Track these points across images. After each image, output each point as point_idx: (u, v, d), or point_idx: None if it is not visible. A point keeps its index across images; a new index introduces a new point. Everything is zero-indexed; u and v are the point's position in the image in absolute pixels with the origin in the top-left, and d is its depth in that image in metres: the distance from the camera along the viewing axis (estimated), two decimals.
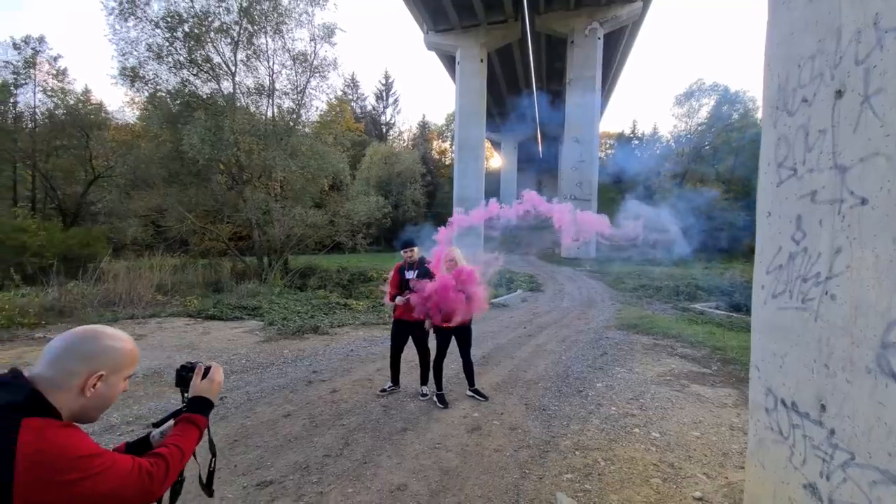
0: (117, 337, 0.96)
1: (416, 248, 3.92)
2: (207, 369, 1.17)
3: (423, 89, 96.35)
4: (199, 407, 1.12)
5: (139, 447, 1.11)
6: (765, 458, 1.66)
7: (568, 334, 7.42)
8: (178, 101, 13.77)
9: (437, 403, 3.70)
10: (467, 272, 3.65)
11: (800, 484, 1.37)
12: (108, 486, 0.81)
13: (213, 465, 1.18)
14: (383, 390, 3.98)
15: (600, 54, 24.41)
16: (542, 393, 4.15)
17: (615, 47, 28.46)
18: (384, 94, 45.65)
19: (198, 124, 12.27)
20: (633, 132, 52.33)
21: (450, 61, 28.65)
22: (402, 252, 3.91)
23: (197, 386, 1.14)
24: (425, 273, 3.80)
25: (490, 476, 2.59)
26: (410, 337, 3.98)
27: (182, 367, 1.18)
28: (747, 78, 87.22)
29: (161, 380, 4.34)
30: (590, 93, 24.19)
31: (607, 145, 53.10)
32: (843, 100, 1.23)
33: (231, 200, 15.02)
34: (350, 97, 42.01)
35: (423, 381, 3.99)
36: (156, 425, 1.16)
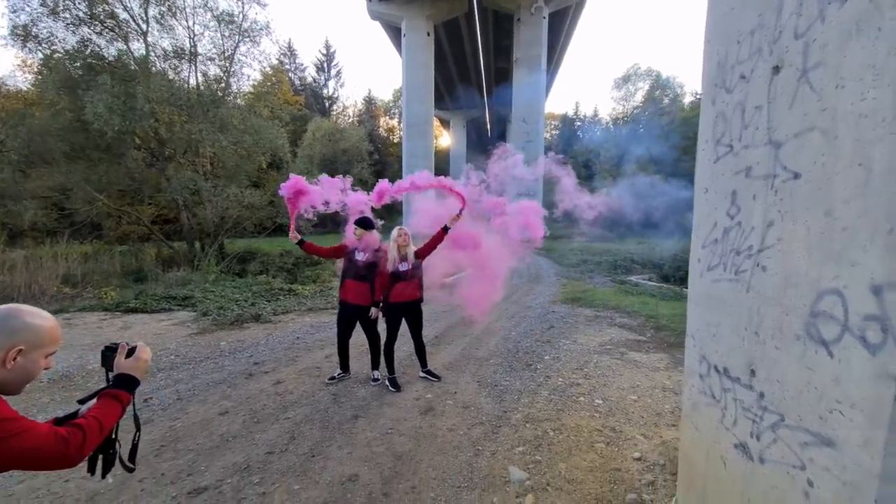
0: (37, 314, 1.03)
1: (374, 233, 3.64)
2: (133, 349, 1.19)
3: (368, 62, 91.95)
4: (123, 383, 1.14)
5: (67, 421, 1.10)
6: (698, 420, 1.77)
7: (517, 310, 7.65)
8: (79, 64, 11.86)
9: (390, 387, 3.63)
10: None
11: (731, 444, 1.46)
12: (25, 446, 0.88)
13: (136, 438, 1.24)
14: (332, 378, 3.81)
15: (545, 33, 24.67)
16: (494, 369, 4.22)
17: (560, 27, 28.88)
18: (325, 65, 42.93)
19: (102, 90, 10.68)
20: (575, 114, 54.28)
21: (395, 33, 27.45)
22: (354, 230, 3.61)
23: (121, 364, 1.16)
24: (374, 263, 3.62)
25: (444, 457, 2.58)
26: (358, 322, 3.81)
27: (106, 347, 1.19)
28: (680, 63, 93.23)
29: (71, 384, 3.82)
30: (536, 72, 24.50)
31: (552, 126, 54.61)
32: (780, 75, 1.25)
33: (152, 179, 13.47)
34: (287, 67, 39.01)
35: (375, 366, 3.88)
36: (81, 402, 1.17)
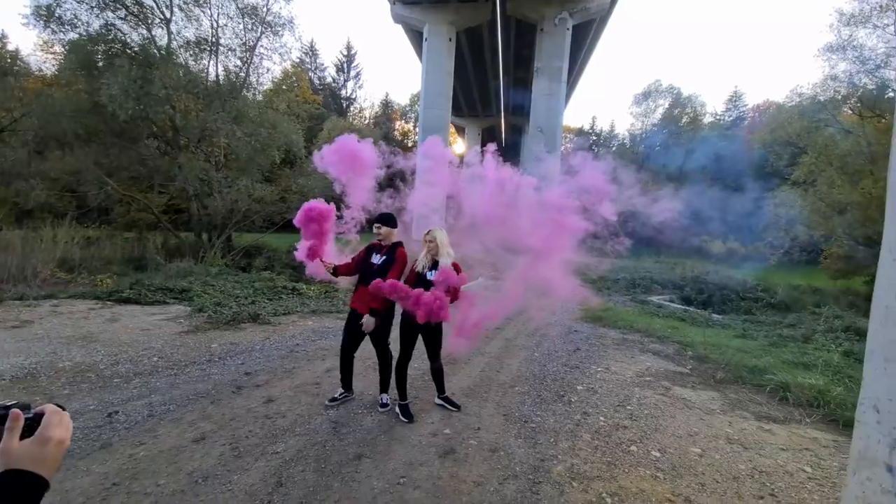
0: None
1: (392, 231, 3.15)
2: (35, 419, 0.63)
3: (387, 66, 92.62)
4: (15, 492, 0.58)
5: None
6: None
7: (536, 326, 7.03)
8: (100, 48, 11.66)
9: (401, 416, 3.04)
10: (453, 281, 2.88)
11: None
12: None
13: None
14: (333, 399, 3.24)
15: (568, 45, 24.27)
16: (521, 399, 3.62)
17: (582, 40, 28.50)
18: (345, 66, 43.07)
19: (119, 73, 10.41)
20: (591, 128, 53.70)
21: (417, 37, 27.31)
22: (374, 228, 3.14)
23: (12, 451, 0.59)
24: (391, 261, 3.05)
25: None
26: (368, 335, 3.24)
27: None
28: (700, 81, 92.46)
29: (35, 384, 3.30)
30: (556, 83, 24.05)
31: (567, 139, 54.16)
32: None
33: (164, 167, 13.15)
34: (308, 66, 39.16)
35: (383, 389, 3.30)
36: None
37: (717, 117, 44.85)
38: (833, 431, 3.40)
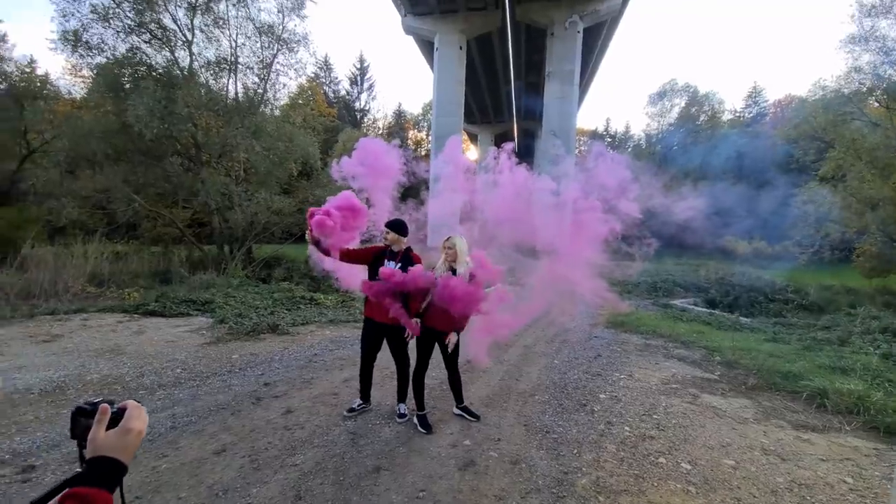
0: None
1: (401, 238, 3.12)
2: (119, 413, 0.74)
3: (399, 77, 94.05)
4: (100, 473, 0.68)
5: None
6: None
7: (556, 333, 6.90)
8: (126, 71, 12.21)
9: (419, 427, 3.00)
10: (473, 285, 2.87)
11: None
12: None
13: None
14: (351, 410, 3.22)
15: (580, 48, 24.13)
16: (542, 408, 3.53)
17: (594, 42, 28.32)
18: (359, 78, 43.94)
19: (144, 94, 10.86)
20: (606, 130, 53.08)
21: (428, 47, 27.67)
22: (385, 233, 3.11)
23: (98, 440, 0.71)
24: (409, 263, 3.05)
25: None
26: (385, 341, 3.23)
27: (78, 408, 0.74)
28: (718, 78, 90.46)
29: (63, 397, 3.40)
30: (568, 86, 23.90)
31: (581, 142, 53.69)
32: None
33: (188, 183, 13.60)
34: (322, 80, 40.11)
35: (401, 398, 3.27)
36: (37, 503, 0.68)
37: (737, 114, 43.73)
38: (874, 439, 3.19)
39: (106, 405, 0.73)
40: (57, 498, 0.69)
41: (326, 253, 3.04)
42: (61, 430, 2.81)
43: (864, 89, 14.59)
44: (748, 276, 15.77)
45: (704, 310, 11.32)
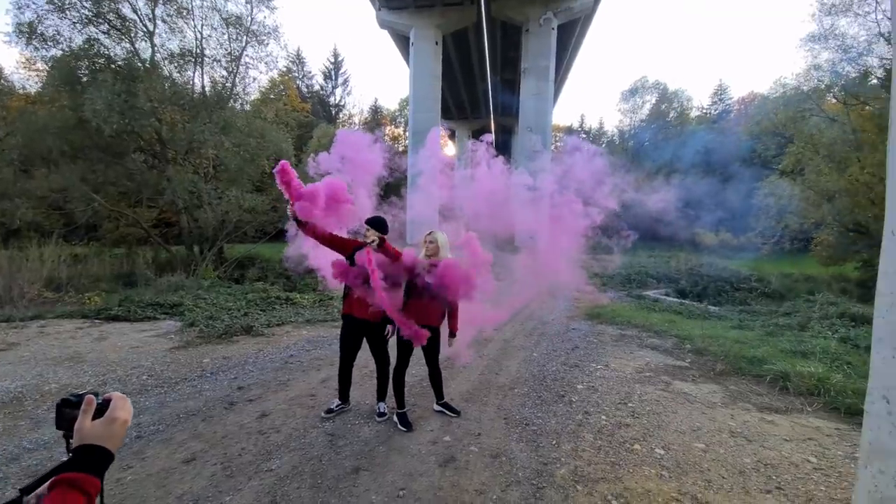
0: None
1: (373, 233, 3.04)
2: (104, 403, 0.78)
3: (375, 71, 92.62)
4: (87, 461, 0.72)
5: None
6: None
7: (534, 326, 6.99)
8: (84, 64, 11.50)
9: (399, 426, 2.97)
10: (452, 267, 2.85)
11: None
12: None
13: None
14: (329, 411, 3.16)
15: (554, 45, 24.41)
16: (521, 401, 3.56)
17: (568, 39, 28.69)
18: (333, 73, 43.00)
19: (103, 87, 10.27)
20: (581, 126, 54.06)
21: (403, 42, 27.33)
22: (365, 230, 2.97)
23: (85, 429, 0.74)
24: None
25: None
26: (365, 339, 3.18)
27: (63, 400, 0.78)
28: (686, 76, 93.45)
29: (21, 409, 3.18)
30: (544, 83, 24.15)
31: (557, 138, 54.49)
32: None
33: (152, 181, 12.99)
34: (295, 74, 39.04)
35: (381, 397, 3.22)
36: (24, 491, 0.73)
37: (704, 111, 45.37)
38: (835, 419, 3.37)
39: (91, 396, 0.77)
40: (46, 484, 0.72)
41: (305, 228, 2.83)
42: (19, 443, 2.63)
43: (823, 86, 15.36)
44: (715, 266, 16.46)
45: (675, 300, 11.73)
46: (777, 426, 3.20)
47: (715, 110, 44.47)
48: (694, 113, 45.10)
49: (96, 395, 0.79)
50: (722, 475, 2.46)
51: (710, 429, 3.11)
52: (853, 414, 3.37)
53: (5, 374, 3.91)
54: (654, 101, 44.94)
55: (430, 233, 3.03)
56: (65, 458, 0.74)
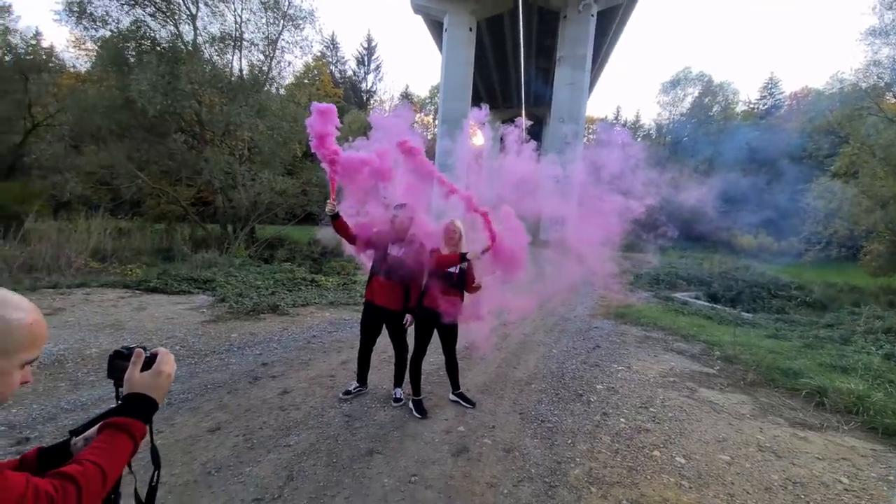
0: (12, 304, 0.68)
1: (407, 214, 2.96)
2: (151, 357, 0.87)
3: (407, 58, 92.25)
4: (135, 408, 0.82)
5: (54, 457, 0.82)
6: None
7: (554, 322, 6.89)
8: (130, 46, 12.00)
9: (414, 412, 3.00)
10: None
11: None
12: None
13: (155, 478, 0.93)
14: (347, 392, 3.23)
15: (592, 32, 23.47)
16: (538, 397, 3.52)
17: (607, 27, 27.51)
18: (366, 59, 43.16)
19: (148, 69, 10.70)
20: (616, 118, 52.15)
21: (437, 28, 26.98)
22: (394, 211, 2.96)
23: (134, 379, 0.84)
24: (415, 253, 3.01)
25: None
26: (385, 326, 3.22)
27: (116, 352, 0.87)
28: (733, 68, 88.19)
29: (62, 371, 3.42)
30: (580, 72, 23.33)
31: (589, 130, 52.89)
32: None
33: (191, 161, 13.53)
34: (329, 59, 39.40)
35: (398, 383, 3.27)
36: (74, 433, 0.85)
37: (752, 105, 42.74)
38: (872, 440, 3.17)
39: (140, 349, 0.86)
40: (95, 427, 0.81)
41: (345, 233, 2.88)
42: (57, 403, 2.83)
43: (882, 84, 14.16)
44: (752, 270, 15.64)
45: (706, 304, 11.25)
46: (809, 443, 3.03)
47: (764, 105, 41.80)
48: (740, 107, 42.59)
49: (145, 349, 0.87)
50: (746, 490, 2.36)
51: (737, 441, 2.98)
52: (891, 435, 3.16)
53: (50, 337, 4.17)
54: (696, 93, 42.69)
55: (452, 222, 2.99)
56: (114, 405, 0.83)
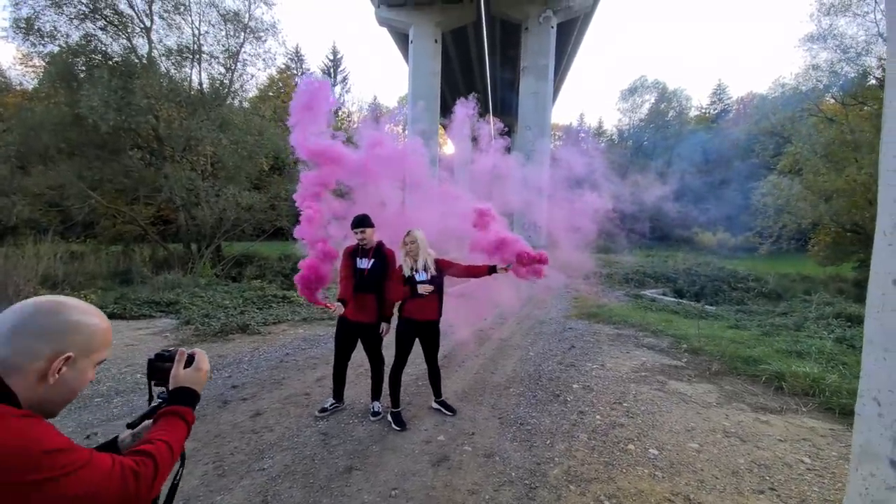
0: (88, 311, 0.80)
1: (370, 230, 3.05)
2: (191, 357, 1.00)
3: (374, 69, 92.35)
4: (185, 399, 0.95)
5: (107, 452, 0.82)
6: None
7: (531, 325, 6.99)
8: (81, 60, 11.44)
9: (393, 425, 2.96)
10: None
11: None
12: (82, 489, 0.64)
13: (178, 476, 0.98)
14: (323, 410, 3.15)
15: (553, 43, 24.35)
16: (516, 401, 3.55)
17: (567, 38, 28.63)
18: (332, 70, 42.88)
19: (99, 84, 10.21)
20: (580, 125, 54.01)
21: (402, 40, 27.26)
22: (354, 232, 3.03)
23: (180, 376, 0.97)
24: (383, 265, 3.03)
25: None
26: (360, 340, 3.17)
27: (157, 355, 0.99)
28: (685, 75, 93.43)
29: None
30: (543, 81, 24.10)
31: (556, 137, 54.50)
32: None
33: (149, 178, 12.94)
34: (294, 72, 38.87)
35: (375, 396, 3.22)
36: (131, 426, 0.96)
37: (703, 110, 45.39)
38: (830, 420, 3.38)
39: (182, 350, 0.99)
40: (145, 423, 0.93)
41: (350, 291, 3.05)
42: None
43: (822, 86, 15.36)
44: (713, 266, 16.48)
45: (673, 299, 11.74)
46: (771, 426, 3.20)
47: (714, 110, 44.49)
48: (693, 112, 45.14)
49: (185, 351, 1.01)
50: (715, 475, 2.46)
51: (705, 429, 3.11)
52: (848, 414, 3.37)
53: None
54: (653, 100, 44.95)
55: (409, 233, 3.01)
56: (156, 403, 0.96)
